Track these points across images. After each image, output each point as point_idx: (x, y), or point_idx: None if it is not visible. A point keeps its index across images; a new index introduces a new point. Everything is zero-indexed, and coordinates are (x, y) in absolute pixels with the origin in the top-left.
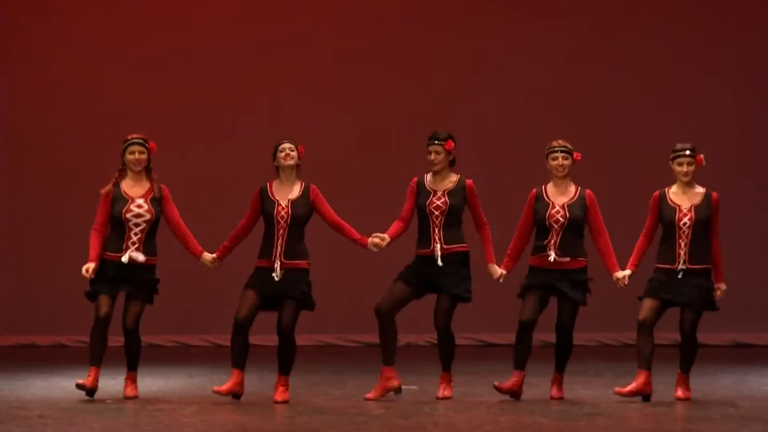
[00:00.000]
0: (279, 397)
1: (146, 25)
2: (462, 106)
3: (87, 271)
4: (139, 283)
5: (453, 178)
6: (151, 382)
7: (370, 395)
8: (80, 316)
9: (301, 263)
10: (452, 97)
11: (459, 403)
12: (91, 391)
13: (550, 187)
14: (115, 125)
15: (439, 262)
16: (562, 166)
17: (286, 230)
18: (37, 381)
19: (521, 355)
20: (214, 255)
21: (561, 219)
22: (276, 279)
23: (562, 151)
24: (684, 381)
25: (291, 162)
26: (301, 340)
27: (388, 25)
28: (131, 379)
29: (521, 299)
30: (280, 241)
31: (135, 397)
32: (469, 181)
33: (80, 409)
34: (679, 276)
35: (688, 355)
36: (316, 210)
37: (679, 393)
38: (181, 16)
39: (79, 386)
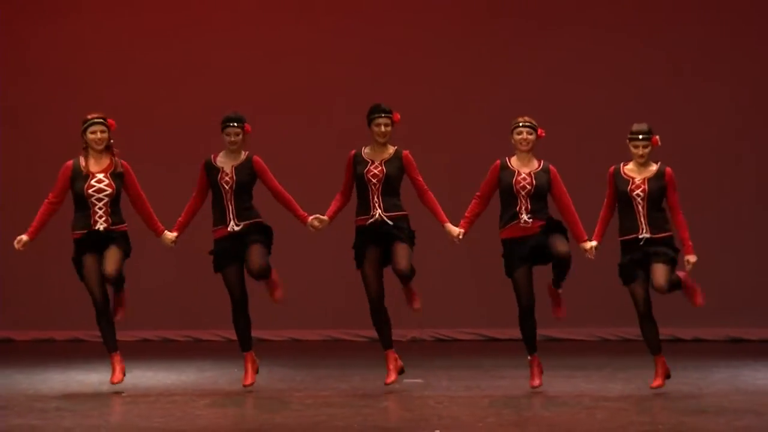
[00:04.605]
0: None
1: (148, 28)
2: (463, 108)
3: (19, 242)
4: (111, 242)
5: (390, 150)
6: (164, 376)
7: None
8: None
9: (256, 219)
10: (454, 98)
11: (462, 397)
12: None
13: (514, 160)
14: (124, 121)
15: (389, 222)
16: (526, 140)
17: (232, 195)
18: (54, 375)
19: (533, 337)
20: (174, 234)
21: (528, 186)
22: (235, 230)
23: (526, 126)
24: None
25: (234, 147)
26: (307, 334)
27: (389, 27)
28: (118, 361)
29: (511, 278)
30: (230, 206)
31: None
32: (405, 152)
33: (96, 401)
34: (641, 243)
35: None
36: (261, 179)
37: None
38: (184, 19)
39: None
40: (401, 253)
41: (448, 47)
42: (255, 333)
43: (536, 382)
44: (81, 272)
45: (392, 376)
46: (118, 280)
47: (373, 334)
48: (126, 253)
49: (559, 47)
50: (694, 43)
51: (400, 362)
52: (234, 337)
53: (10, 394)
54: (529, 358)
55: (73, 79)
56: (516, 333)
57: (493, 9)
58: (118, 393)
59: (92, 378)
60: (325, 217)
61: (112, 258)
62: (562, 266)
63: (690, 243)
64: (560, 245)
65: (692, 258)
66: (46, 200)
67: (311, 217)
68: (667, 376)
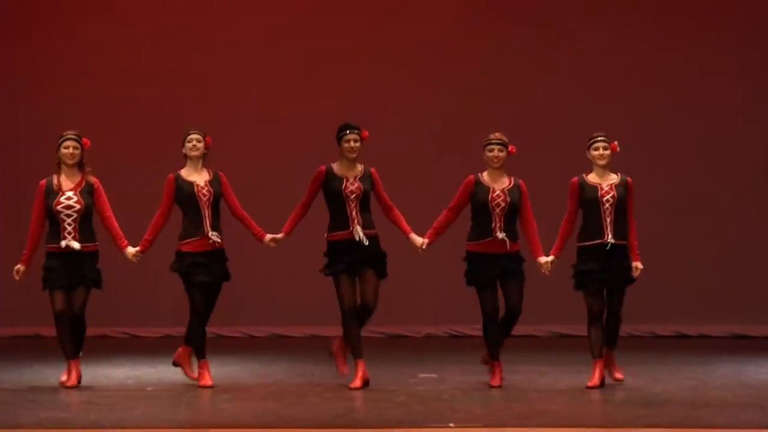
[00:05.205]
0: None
1: (148, 30)
2: (467, 108)
3: (17, 273)
4: (83, 271)
5: (359, 167)
6: None
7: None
8: (124, 308)
9: (221, 244)
10: (458, 99)
11: (475, 391)
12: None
13: (486, 176)
14: (123, 117)
15: (365, 242)
16: (497, 157)
17: (209, 207)
18: (81, 369)
19: (498, 346)
20: (137, 249)
21: (502, 203)
22: (215, 244)
23: (497, 144)
24: (613, 360)
25: (197, 153)
26: (323, 331)
27: (390, 27)
28: (76, 366)
29: (477, 289)
30: (207, 217)
31: (75, 386)
32: (372, 169)
33: (121, 395)
34: (607, 248)
35: (616, 330)
36: (222, 197)
37: (618, 375)
38: (183, 18)
39: (63, 384)
40: (372, 286)
41: (456, 49)
42: (276, 330)
43: (496, 381)
44: (46, 283)
45: (358, 383)
46: (82, 321)
47: (386, 330)
48: (95, 285)
49: (559, 47)
50: (694, 43)
51: (367, 374)
52: (256, 333)
53: (38, 388)
54: (491, 363)
55: (73, 83)
56: (524, 330)
57: (499, 11)
58: (143, 387)
59: (118, 372)
60: (280, 236)
61: (78, 297)
62: (511, 320)
63: (637, 251)
64: (516, 298)
65: (639, 265)
66: (33, 221)
67: (268, 238)
68: (602, 384)
